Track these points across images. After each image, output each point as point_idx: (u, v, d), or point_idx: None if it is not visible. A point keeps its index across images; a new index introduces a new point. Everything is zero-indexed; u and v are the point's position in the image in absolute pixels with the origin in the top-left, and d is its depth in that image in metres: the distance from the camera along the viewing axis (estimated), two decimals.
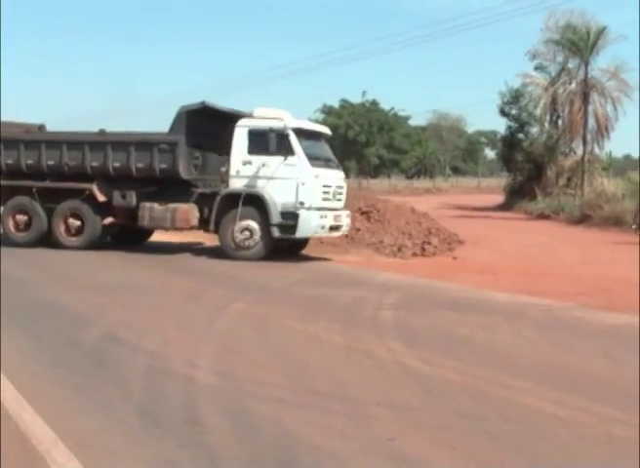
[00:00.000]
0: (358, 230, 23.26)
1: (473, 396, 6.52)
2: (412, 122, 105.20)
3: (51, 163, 17.80)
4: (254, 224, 16.64)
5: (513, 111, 51.35)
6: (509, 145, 50.46)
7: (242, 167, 16.66)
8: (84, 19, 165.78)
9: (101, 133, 17.80)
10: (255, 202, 16.59)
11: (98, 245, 17.95)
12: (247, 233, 16.64)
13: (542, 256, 20.10)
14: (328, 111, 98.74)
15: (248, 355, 8.00)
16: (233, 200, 16.75)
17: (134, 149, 17.23)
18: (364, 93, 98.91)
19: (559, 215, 37.42)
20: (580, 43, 44.27)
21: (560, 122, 49.77)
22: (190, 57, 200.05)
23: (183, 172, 17.28)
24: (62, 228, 17.88)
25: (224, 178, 17.44)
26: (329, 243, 20.53)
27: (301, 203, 16.41)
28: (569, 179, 45.42)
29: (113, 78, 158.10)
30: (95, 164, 17.47)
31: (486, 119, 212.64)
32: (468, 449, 5.25)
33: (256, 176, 16.62)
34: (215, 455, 5.07)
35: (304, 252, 18.87)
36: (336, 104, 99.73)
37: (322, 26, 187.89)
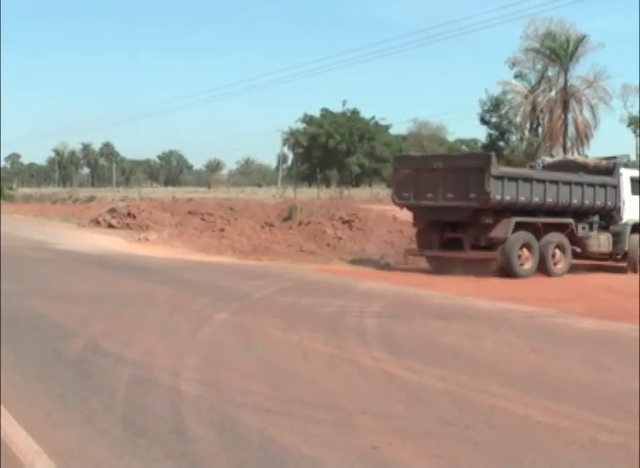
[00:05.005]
0: (340, 239, 23.32)
1: (458, 403, 6.54)
2: (392, 131, 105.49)
3: (550, 200, 19.39)
4: None
5: (494, 119, 51.74)
6: None
7: (630, 203, 20.80)
8: None
9: (580, 175, 20.37)
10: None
11: None
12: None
13: None
14: (309, 121, 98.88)
15: (232, 365, 7.99)
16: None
17: (598, 189, 20.43)
18: (344, 102, 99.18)
19: None
20: (559, 51, 44.71)
21: (540, 129, 50.27)
22: (173, 68, 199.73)
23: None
24: (551, 259, 19.43)
25: (609, 212, 20.81)
26: (309, 251, 20.54)
27: None
28: None
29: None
30: (575, 201, 20.01)
31: (466, 127, 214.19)
32: (453, 457, 5.26)
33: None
34: (201, 465, 5.06)
35: (286, 260, 18.92)
36: (316, 114, 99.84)
37: (302, 36, 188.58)
